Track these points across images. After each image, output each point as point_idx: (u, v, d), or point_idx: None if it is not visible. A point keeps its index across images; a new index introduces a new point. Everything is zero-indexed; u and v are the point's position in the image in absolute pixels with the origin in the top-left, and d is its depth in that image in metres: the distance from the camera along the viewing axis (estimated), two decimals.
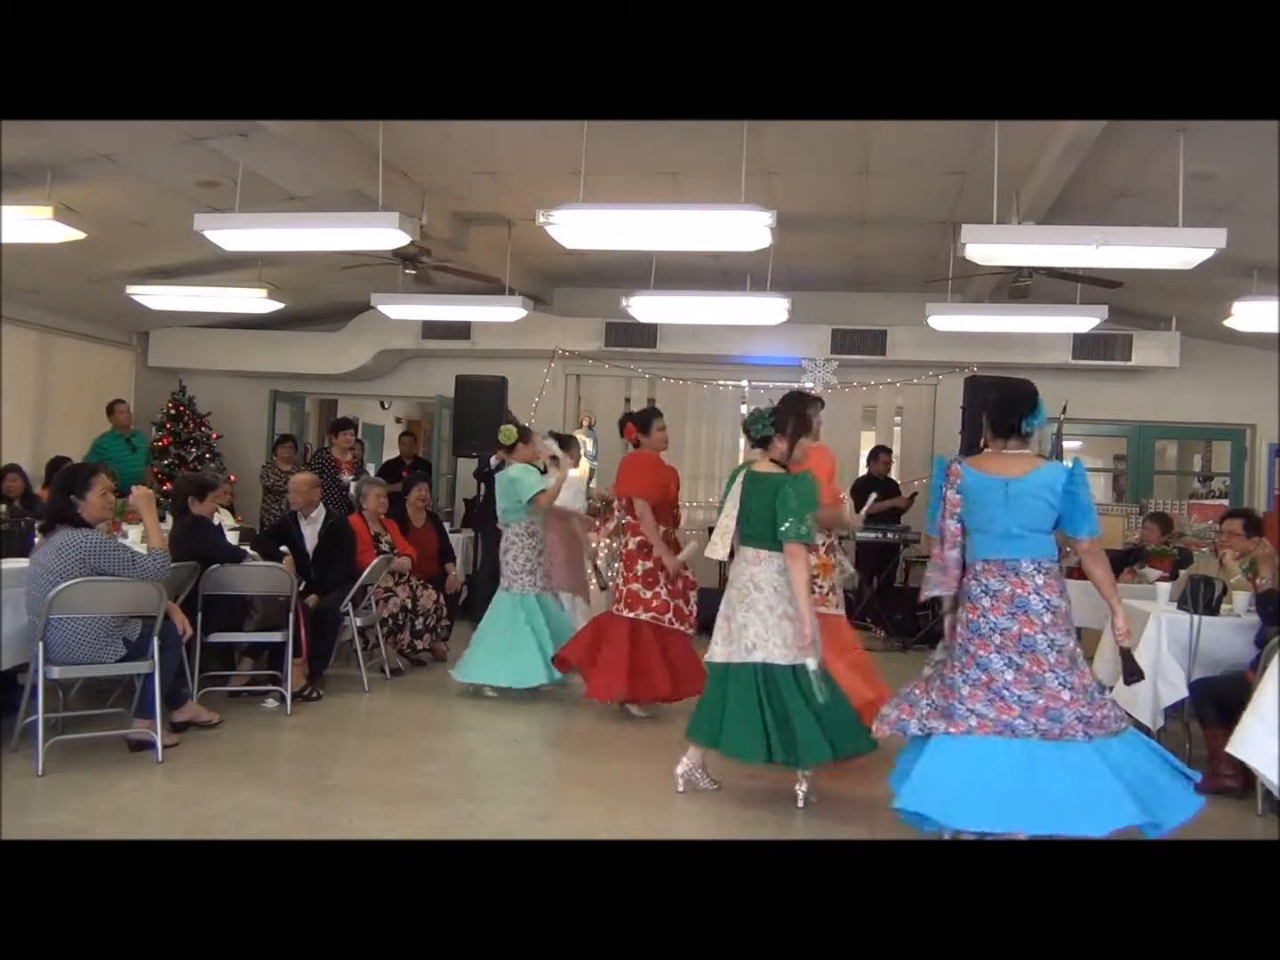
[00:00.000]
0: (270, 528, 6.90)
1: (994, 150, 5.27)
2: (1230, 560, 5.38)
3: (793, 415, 4.23)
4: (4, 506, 6.47)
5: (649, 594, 5.50)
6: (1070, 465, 3.62)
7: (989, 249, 5.60)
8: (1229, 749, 4.16)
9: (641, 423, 5.74)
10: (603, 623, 5.72)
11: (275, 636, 5.53)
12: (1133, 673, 3.63)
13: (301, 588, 5.75)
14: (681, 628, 5.56)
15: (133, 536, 5.22)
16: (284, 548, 6.14)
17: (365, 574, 6.11)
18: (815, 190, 6.71)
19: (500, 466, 6.64)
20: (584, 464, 7.51)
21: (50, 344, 9.54)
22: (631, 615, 5.52)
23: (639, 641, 5.51)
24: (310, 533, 6.27)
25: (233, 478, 9.68)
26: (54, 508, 4.55)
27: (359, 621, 6.18)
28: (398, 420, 13.88)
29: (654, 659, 5.49)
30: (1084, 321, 7.90)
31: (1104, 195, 6.22)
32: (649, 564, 5.53)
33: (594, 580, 7.28)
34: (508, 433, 6.43)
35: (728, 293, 8.41)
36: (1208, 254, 5.28)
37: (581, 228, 5.56)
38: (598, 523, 7.42)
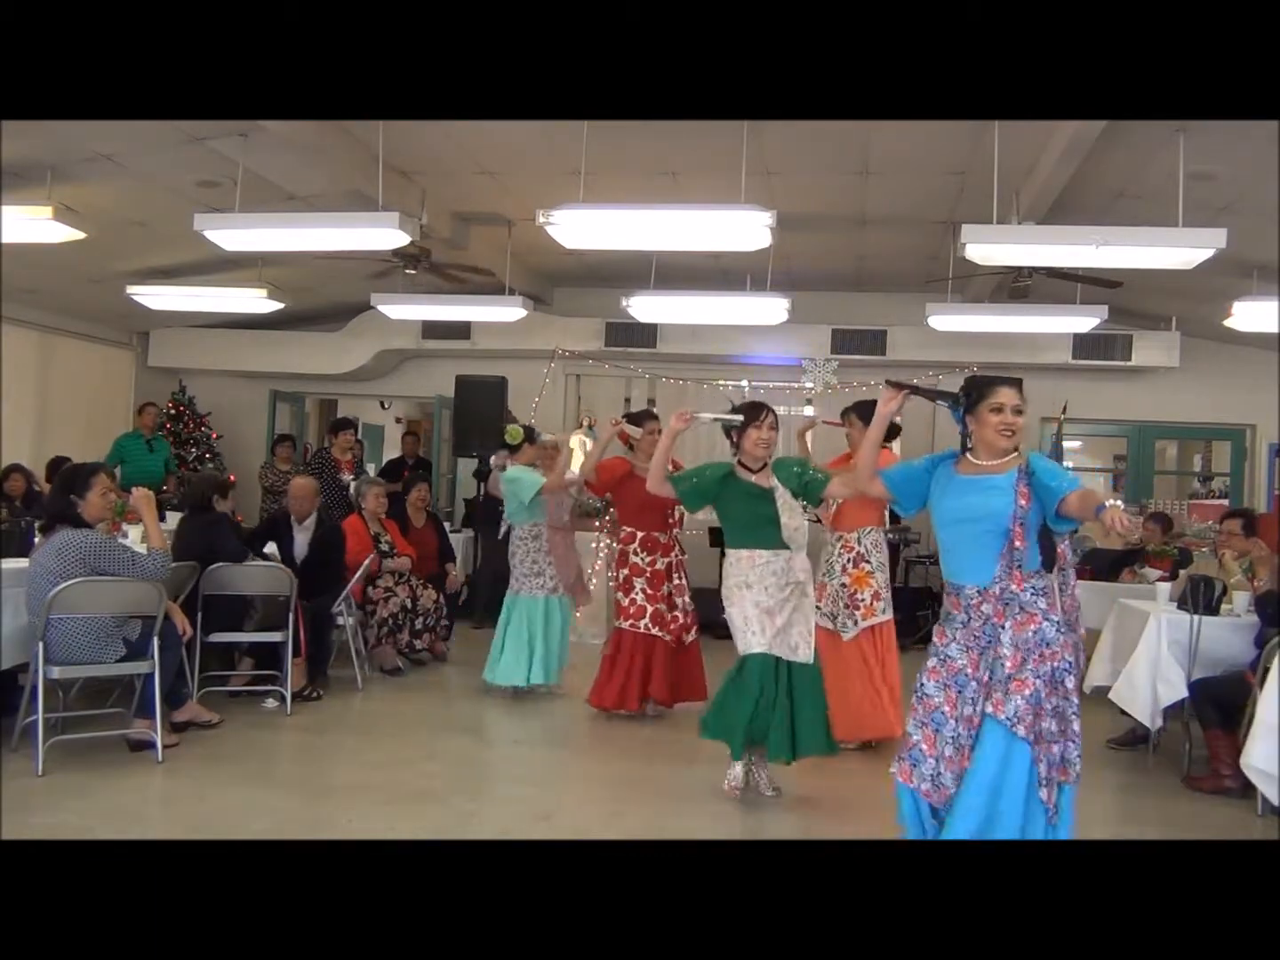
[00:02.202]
0: (260, 525, 6.88)
1: (994, 150, 5.27)
2: (1230, 560, 5.38)
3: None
4: (4, 510, 6.46)
5: (626, 600, 5.50)
6: None
7: (989, 249, 5.60)
8: (1242, 763, 4.17)
9: (633, 423, 5.80)
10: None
11: (275, 636, 5.54)
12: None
13: None
14: (658, 632, 5.44)
15: (133, 536, 5.23)
16: (272, 546, 6.14)
17: (356, 575, 6.12)
18: (815, 190, 6.70)
19: (504, 467, 6.54)
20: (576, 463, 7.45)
21: (50, 344, 9.54)
22: (618, 625, 5.54)
23: (618, 651, 5.49)
24: (302, 540, 6.27)
25: (233, 478, 9.67)
26: (54, 508, 4.56)
27: (349, 620, 6.18)
28: (398, 420, 13.87)
29: (629, 667, 5.43)
30: (1084, 321, 7.90)
31: (1104, 195, 6.21)
32: (626, 570, 5.53)
33: (592, 581, 7.25)
34: (514, 433, 6.25)
35: (728, 293, 8.40)
36: (1208, 254, 5.28)
37: (581, 228, 5.57)
38: (597, 522, 7.41)
